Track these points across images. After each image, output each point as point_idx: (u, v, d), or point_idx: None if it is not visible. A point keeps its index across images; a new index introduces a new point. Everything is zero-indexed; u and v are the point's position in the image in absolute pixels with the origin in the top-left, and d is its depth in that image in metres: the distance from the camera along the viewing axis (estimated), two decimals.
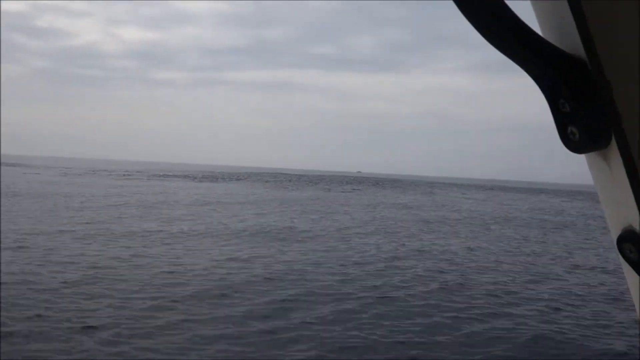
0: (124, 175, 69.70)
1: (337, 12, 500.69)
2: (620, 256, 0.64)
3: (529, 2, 0.61)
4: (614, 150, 0.60)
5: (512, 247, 19.00)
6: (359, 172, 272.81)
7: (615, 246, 0.63)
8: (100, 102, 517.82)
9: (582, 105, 0.58)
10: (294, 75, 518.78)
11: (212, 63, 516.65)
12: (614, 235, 0.64)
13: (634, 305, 0.67)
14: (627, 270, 0.64)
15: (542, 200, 59.74)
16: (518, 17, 0.54)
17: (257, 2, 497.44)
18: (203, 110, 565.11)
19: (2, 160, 75.34)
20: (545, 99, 0.60)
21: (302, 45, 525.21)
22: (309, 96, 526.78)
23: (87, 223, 19.61)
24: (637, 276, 0.63)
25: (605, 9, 0.55)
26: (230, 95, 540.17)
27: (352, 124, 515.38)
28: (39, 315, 8.27)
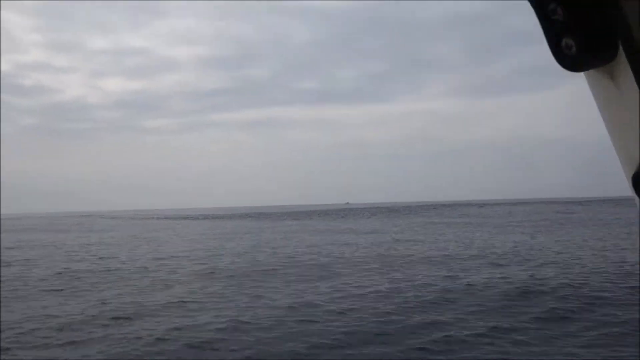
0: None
1: (316, 47, 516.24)
2: (636, 195, 0.56)
3: None
4: (622, 65, 0.47)
5: None
6: (347, 203, 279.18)
7: (631, 184, 0.54)
8: (89, 154, 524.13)
9: (580, 11, 0.46)
10: (279, 112, 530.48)
11: (198, 107, 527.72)
12: (628, 171, 0.54)
13: None
14: None
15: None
16: None
17: (236, 43, 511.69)
18: (193, 153, 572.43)
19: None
20: (531, 4, 0.50)
21: (285, 81, 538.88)
22: (296, 131, 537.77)
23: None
24: None
25: None
26: (218, 136, 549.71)
27: (340, 155, 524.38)
28: None
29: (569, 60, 0.48)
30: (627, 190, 0.55)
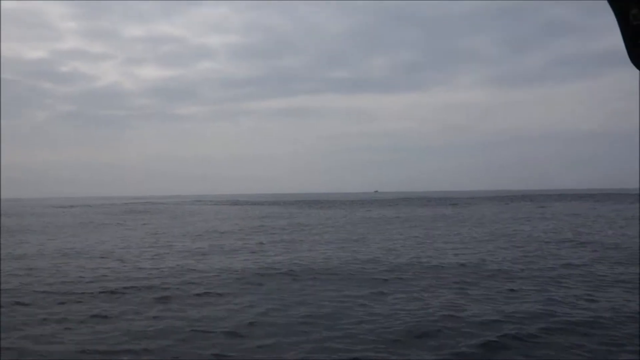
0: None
1: (349, 36, 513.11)
2: None
3: None
4: None
5: None
6: (376, 191, 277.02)
7: None
8: (124, 140, 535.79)
9: None
10: (311, 101, 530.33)
11: (231, 95, 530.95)
12: None
13: None
14: None
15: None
16: None
17: (270, 32, 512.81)
18: (225, 141, 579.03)
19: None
20: (612, 10, 0.53)
21: (317, 71, 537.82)
22: (329, 120, 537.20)
23: None
24: None
25: None
26: (250, 124, 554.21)
27: (371, 144, 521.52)
28: None
29: None
30: None
